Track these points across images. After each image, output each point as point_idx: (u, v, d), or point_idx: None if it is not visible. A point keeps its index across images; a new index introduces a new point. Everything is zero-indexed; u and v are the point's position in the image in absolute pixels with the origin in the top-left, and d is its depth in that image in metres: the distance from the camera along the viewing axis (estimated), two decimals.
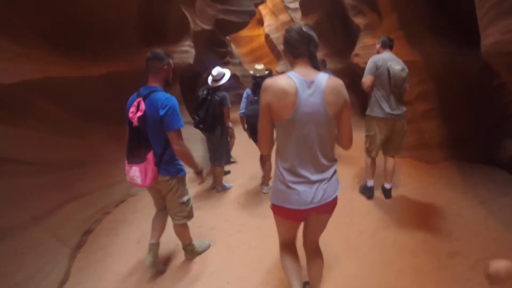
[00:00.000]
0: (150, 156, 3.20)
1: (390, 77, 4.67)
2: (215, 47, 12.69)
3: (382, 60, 4.77)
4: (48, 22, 4.97)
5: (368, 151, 5.22)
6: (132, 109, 3.16)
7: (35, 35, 4.87)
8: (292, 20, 16.50)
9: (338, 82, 2.29)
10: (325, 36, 11.31)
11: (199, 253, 4.22)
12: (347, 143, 2.46)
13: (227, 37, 17.01)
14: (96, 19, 5.79)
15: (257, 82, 5.52)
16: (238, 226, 4.91)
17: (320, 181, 2.35)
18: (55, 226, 4.44)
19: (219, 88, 5.65)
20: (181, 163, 3.49)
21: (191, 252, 4.12)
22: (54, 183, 4.76)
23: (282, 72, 14.64)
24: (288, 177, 2.34)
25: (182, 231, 3.88)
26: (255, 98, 5.37)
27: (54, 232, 4.36)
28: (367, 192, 5.49)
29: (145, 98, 3.14)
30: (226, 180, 6.72)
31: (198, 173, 3.67)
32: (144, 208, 5.57)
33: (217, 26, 11.29)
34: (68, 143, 5.28)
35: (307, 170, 2.33)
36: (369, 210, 5.12)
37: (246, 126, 5.60)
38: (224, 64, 16.26)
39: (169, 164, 3.35)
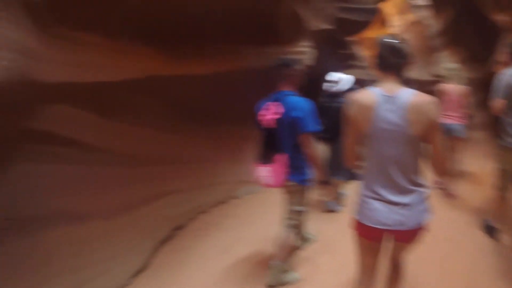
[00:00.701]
0: (281, 157, 3.36)
1: None
2: (336, 48, 11.95)
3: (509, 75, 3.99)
4: (146, 17, 4.79)
5: (498, 188, 4.44)
6: (266, 112, 3.42)
7: (133, 31, 4.73)
8: (420, 20, 15.09)
9: (425, 100, 2.19)
10: (459, 37, 10.37)
11: (282, 283, 3.82)
12: (438, 169, 2.30)
13: (351, 39, 16.18)
14: (199, 16, 5.48)
15: None
16: (340, 264, 4.21)
17: (397, 204, 2.27)
18: (143, 217, 4.64)
19: (338, 94, 5.36)
20: (309, 173, 3.58)
21: (276, 272, 3.78)
22: (146, 176, 4.94)
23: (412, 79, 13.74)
24: (365, 191, 2.37)
25: (282, 239, 3.77)
26: None
27: (141, 223, 4.57)
28: (489, 230, 4.68)
29: (279, 102, 3.38)
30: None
31: (323, 182, 3.70)
32: (244, 214, 5.55)
33: (338, 26, 10.53)
34: (165, 138, 5.36)
35: (384, 188, 2.28)
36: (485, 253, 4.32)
37: None
38: (347, 68, 15.34)
39: (298, 170, 3.49)
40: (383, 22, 19.25)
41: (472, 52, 10.13)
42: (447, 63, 8.88)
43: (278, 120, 3.37)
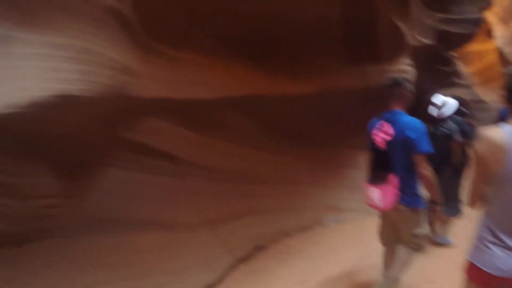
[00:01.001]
0: (394, 180, 3.29)
1: None
2: (438, 65, 11.27)
3: None
4: (241, 34, 4.96)
5: None
6: (378, 132, 3.41)
7: (228, 47, 4.94)
8: None
9: None
10: None
11: None
12: None
13: (454, 54, 15.20)
14: (294, 33, 5.51)
15: None
16: None
17: None
18: (226, 232, 4.73)
19: (443, 119, 5.05)
20: (421, 197, 3.48)
21: (388, 285, 3.65)
22: (233, 193, 5.04)
23: None
24: (486, 235, 2.19)
25: (401, 257, 3.64)
26: None
27: (221, 238, 4.64)
28: None
29: (392, 122, 3.36)
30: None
31: (437, 203, 3.53)
32: (328, 243, 5.42)
33: (439, 40, 10.02)
34: (259, 157, 5.48)
35: (508, 234, 2.10)
36: None
37: None
38: (448, 86, 14.51)
39: (411, 193, 3.40)
40: (488, 33, 17.77)
41: None
42: None
43: (390, 140, 3.35)
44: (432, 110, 5.12)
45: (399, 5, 7.41)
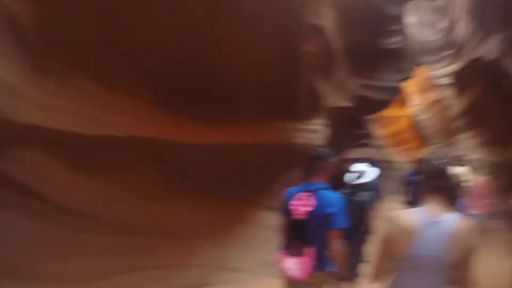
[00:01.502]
0: (310, 250, 3.25)
1: None
2: (353, 128, 11.38)
3: None
4: (166, 77, 4.72)
5: None
6: (297, 203, 3.32)
7: (145, 86, 4.62)
8: (442, 99, 14.60)
9: (469, 226, 2.12)
10: (482, 118, 9.81)
11: None
12: (466, 286, 2.15)
13: (368, 117, 15.78)
14: (216, 83, 5.34)
15: None
16: None
17: None
18: None
19: (360, 187, 4.93)
20: (332, 264, 3.39)
21: None
22: (116, 246, 4.61)
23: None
24: None
25: None
26: None
27: None
28: None
29: (313, 194, 3.28)
30: None
31: (341, 278, 3.53)
32: None
33: (357, 104, 10.10)
34: (150, 207, 5.03)
35: None
36: None
37: None
38: (361, 146, 14.81)
39: (324, 259, 3.32)
40: (403, 101, 18.84)
41: (496, 134, 9.40)
42: (470, 150, 8.67)
43: (310, 213, 3.25)
44: (349, 178, 4.95)
45: (323, 68, 7.44)
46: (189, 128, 5.16)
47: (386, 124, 20.36)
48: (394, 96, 11.74)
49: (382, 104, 11.73)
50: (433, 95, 16.28)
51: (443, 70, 14.01)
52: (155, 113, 4.73)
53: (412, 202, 6.45)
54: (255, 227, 6.32)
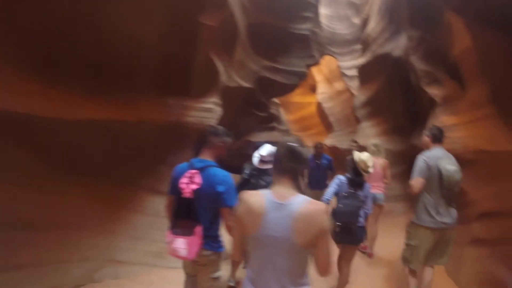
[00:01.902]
0: (198, 229, 3.23)
1: (442, 179, 4.23)
2: (254, 109, 10.99)
3: (435, 158, 4.34)
4: (42, 47, 4.15)
5: (406, 261, 4.65)
6: (185, 181, 3.22)
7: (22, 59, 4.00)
8: (347, 89, 15.07)
9: (315, 209, 2.16)
10: (383, 109, 10.12)
11: None
12: (323, 272, 2.24)
13: (277, 101, 15.81)
14: (101, 54, 4.86)
15: (356, 172, 4.62)
16: None
17: None
18: None
19: (266, 171, 4.81)
20: (222, 239, 3.50)
21: None
22: None
23: (332, 147, 13.31)
24: (247, 285, 2.33)
25: None
26: (351, 190, 4.56)
27: None
28: None
29: (201, 172, 3.24)
30: None
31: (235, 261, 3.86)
32: None
33: (260, 85, 9.80)
34: (17, 194, 4.21)
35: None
36: None
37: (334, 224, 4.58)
38: (268, 130, 14.89)
39: (214, 239, 3.39)
40: (312, 89, 19.58)
41: (396, 124, 9.90)
42: (371, 137, 8.79)
43: (196, 191, 3.20)
44: (257, 161, 4.87)
45: (223, 45, 7.00)
46: (71, 103, 4.55)
47: (294, 110, 20.86)
48: (300, 81, 11.53)
49: (287, 88, 11.48)
50: (339, 85, 16.63)
51: (350, 63, 14.38)
52: (30, 84, 4.07)
53: (309, 185, 7.17)
54: (145, 213, 5.93)
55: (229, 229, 3.27)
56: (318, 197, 7.11)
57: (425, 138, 4.65)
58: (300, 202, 2.16)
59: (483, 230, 5.20)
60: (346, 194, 4.50)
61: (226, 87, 7.46)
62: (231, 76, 7.84)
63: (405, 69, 8.49)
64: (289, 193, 2.20)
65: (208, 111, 6.69)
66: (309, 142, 16.63)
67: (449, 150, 4.57)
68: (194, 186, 3.21)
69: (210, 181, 3.23)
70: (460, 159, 4.53)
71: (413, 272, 4.66)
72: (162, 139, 6.12)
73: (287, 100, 19.11)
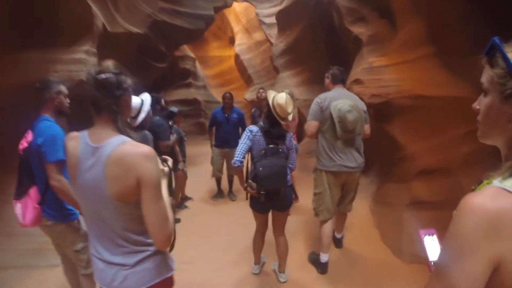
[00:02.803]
0: (32, 191, 3.08)
1: (334, 120, 4.06)
2: (151, 60, 9.35)
3: (329, 99, 4.16)
4: None
5: (316, 213, 4.52)
6: (22, 141, 3.18)
7: None
8: (267, 38, 14.15)
9: (131, 151, 1.78)
10: (304, 57, 9.33)
11: None
12: (157, 240, 1.85)
13: (191, 55, 15.10)
14: None
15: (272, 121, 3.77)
16: None
17: (120, 265, 1.94)
18: None
19: (140, 126, 4.15)
20: (69, 207, 3.25)
21: None
22: None
23: (251, 101, 12.43)
24: (91, 249, 2.07)
25: (86, 283, 3.45)
26: (271, 146, 3.69)
27: None
28: (319, 267, 4.55)
29: (32, 128, 3.14)
30: None
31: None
32: None
33: (156, 31, 8.27)
34: None
35: (103, 247, 1.97)
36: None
37: (254, 187, 3.73)
38: (184, 87, 14.50)
39: (52, 206, 3.15)
40: (231, 41, 18.72)
41: (318, 72, 8.60)
42: (290, 88, 7.63)
43: (26, 149, 3.06)
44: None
45: None
46: None
47: (213, 65, 20.07)
48: (207, 26, 10.19)
49: (192, 35, 10.08)
50: (258, 35, 15.84)
51: (269, 10, 13.53)
52: None
53: (217, 143, 6.80)
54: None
55: (54, 189, 3.00)
56: (228, 157, 6.50)
57: (326, 80, 4.44)
58: (115, 144, 1.80)
59: (423, 190, 4.69)
60: (265, 151, 3.68)
61: (106, 34, 6.16)
62: (115, 20, 6.51)
63: (328, 11, 7.79)
64: (106, 134, 1.85)
65: (79, 62, 5.46)
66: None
67: (379, 95, 4.50)
68: (24, 144, 3.09)
69: (35, 136, 3.04)
70: (394, 106, 4.36)
71: (323, 223, 4.45)
72: (20, 105, 4.79)
73: (204, 54, 18.62)
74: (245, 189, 3.82)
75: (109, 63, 1.87)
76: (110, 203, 1.83)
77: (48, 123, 3.09)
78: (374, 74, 5.21)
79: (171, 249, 2.10)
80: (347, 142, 4.17)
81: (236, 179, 6.36)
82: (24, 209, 3.09)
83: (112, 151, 1.78)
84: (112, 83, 1.82)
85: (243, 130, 6.48)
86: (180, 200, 6.72)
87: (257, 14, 14.47)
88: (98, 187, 1.81)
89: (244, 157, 3.67)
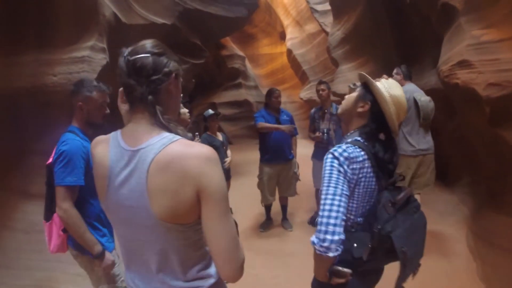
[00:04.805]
0: (57, 216, 2.69)
1: (419, 109, 4.65)
2: (185, 56, 7.98)
3: (409, 92, 4.67)
4: None
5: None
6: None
7: None
8: (321, 28, 12.64)
9: (188, 153, 1.31)
10: (367, 45, 8.16)
11: None
12: (226, 269, 1.40)
13: (241, 53, 14.48)
14: None
15: None
16: None
17: None
18: None
19: None
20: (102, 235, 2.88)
21: None
22: None
23: (307, 100, 11.31)
24: (128, 281, 1.66)
25: None
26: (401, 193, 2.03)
27: None
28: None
29: (58, 143, 2.78)
30: None
31: (96, 256, 2.79)
32: None
33: (186, 22, 7.13)
34: None
35: (144, 282, 1.56)
36: None
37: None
38: (233, 88, 14.16)
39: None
40: (281, 36, 17.74)
41: (385, 62, 7.63)
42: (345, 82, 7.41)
43: (49, 165, 2.72)
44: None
45: None
46: None
47: (263, 63, 19.40)
48: (250, 14, 9.06)
49: (232, 24, 8.88)
50: (311, 27, 14.61)
51: None
52: None
53: (265, 158, 5.34)
54: (14, 229, 4.53)
55: (61, 220, 2.61)
56: (281, 175, 5.31)
57: (396, 77, 4.89)
58: (161, 144, 1.32)
59: None
60: (392, 204, 2.06)
61: (120, 26, 5.25)
62: (132, 9, 5.55)
63: None
64: (145, 132, 1.38)
65: (81, 61, 4.66)
66: (283, 98, 15.43)
67: (501, 84, 3.56)
68: (49, 160, 2.74)
69: (55, 153, 2.70)
70: None
71: None
72: (14, 110, 4.60)
73: (254, 52, 18.16)
74: (325, 278, 2.02)
75: (147, 42, 1.44)
76: (155, 226, 1.38)
77: (69, 136, 2.66)
78: (488, 52, 3.66)
79: None
80: (424, 128, 4.74)
81: (294, 202, 5.28)
82: (49, 234, 2.82)
83: (156, 154, 1.31)
84: (146, 66, 1.37)
85: (292, 137, 5.30)
86: None
87: (307, 2, 13.07)
88: (139, 204, 1.36)
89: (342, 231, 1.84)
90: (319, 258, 1.86)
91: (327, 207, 1.78)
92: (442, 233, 4.93)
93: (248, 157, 8.90)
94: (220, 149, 5.02)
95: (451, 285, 3.92)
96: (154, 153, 1.30)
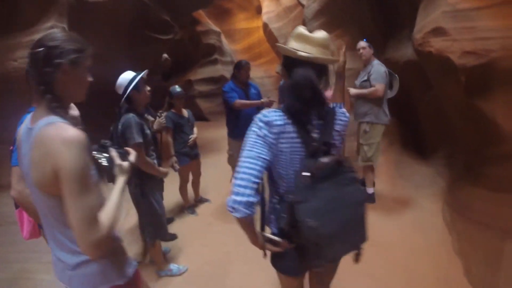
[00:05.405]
0: None
1: (393, 83, 5.05)
2: (153, 32, 7.68)
3: (384, 65, 5.00)
4: None
5: (371, 159, 5.22)
6: None
7: None
8: (298, 2, 12.30)
9: (53, 134, 1.51)
10: (343, 18, 7.99)
11: None
12: (80, 244, 1.55)
13: (216, 29, 14.38)
14: None
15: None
16: None
17: (64, 263, 1.74)
18: None
19: (125, 109, 3.39)
20: None
21: None
22: None
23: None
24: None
25: None
26: (325, 159, 1.89)
27: None
28: (370, 199, 5.33)
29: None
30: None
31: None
32: None
33: None
34: None
35: (50, 239, 1.77)
36: None
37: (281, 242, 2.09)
38: (211, 64, 14.00)
39: None
40: (258, 11, 17.42)
41: (361, 35, 7.05)
42: None
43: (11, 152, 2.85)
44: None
45: None
46: None
47: (240, 38, 19.11)
48: None
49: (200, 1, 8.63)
50: (287, 0, 14.38)
51: None
52: None
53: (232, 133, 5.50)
54: None
55: (18, 202, 2.65)
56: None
57: (370, 50, 5.07)
58: (41, 125, 1.55)
59: None
60: (312, 173, 1.98)
61: (82, 4, 4.98)
62: None
63: None
64: (40, 114, 1.62)
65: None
66: (260, 73, 16.06)
67: (476, 52, 3.41)
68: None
69: None
70: (497, 71, 3.27)
71: (372, 169, 5.33)
72: None
73: (230, 27, 18.06)
74: (262, 247, 2.08)
75: (51, 33, 1.65)
76: (37, 194, 1.64)
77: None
78: (464, 20, 3.52)
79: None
80: (390, 100, 5.12)
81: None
82: (21, 221, 2.88)
83: (36, 133, 1.56)
84: (39, 58, 1.55)
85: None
86: (194, 202, 5.68)
87: None
88: (27, 171, 1.63)
89: (257, 192, 1.83)
90: (236, 220, 1.85)
91: (239, 169, 1.80)
92: (418, 206, 5.01)
93: (224, 133, 8.79)
94: (186, 127, 4.93)
95: (426, 258, 3.89)
96: (35, 132, 1.52)
